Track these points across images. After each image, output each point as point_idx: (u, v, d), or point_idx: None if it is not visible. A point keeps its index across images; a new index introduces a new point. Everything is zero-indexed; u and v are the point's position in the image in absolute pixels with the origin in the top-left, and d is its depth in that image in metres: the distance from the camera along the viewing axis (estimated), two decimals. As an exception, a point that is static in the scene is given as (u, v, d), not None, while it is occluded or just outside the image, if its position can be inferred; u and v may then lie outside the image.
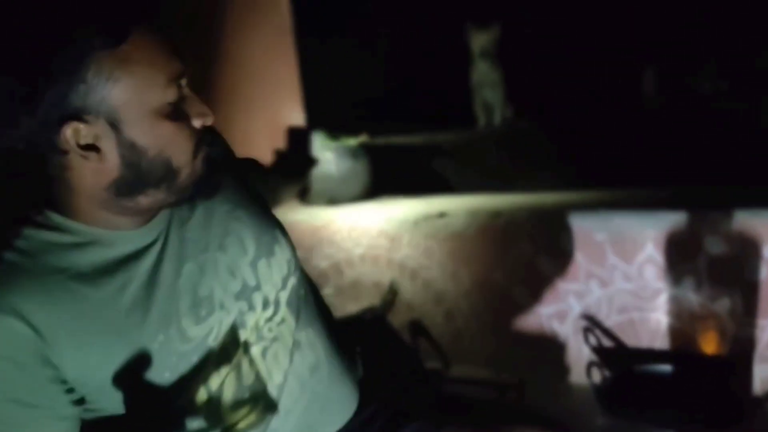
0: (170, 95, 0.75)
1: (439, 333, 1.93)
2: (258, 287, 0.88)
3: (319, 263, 2.07)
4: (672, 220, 1.61)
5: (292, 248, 0.96)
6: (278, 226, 0.95)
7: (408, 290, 1.94)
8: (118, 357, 0.77)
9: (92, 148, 0.74)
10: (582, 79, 3.47)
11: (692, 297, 1.61)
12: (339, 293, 2.04)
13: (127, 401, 0.79)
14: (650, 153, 2.45)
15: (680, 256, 1.61)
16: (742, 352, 1.57)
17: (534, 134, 3.29)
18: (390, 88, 3.37)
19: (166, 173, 0.78)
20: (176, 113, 0.77)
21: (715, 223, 1.56)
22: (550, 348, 1.80)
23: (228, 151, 0.99)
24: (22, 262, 0.75)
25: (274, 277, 0.91)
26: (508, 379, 1.74)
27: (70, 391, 0.76)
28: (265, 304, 0.89)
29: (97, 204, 0.79)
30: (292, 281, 0.93)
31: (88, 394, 0.78)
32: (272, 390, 0.88)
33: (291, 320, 0.91)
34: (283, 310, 0.91)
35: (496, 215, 1.81)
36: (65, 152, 0.74)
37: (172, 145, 0.77)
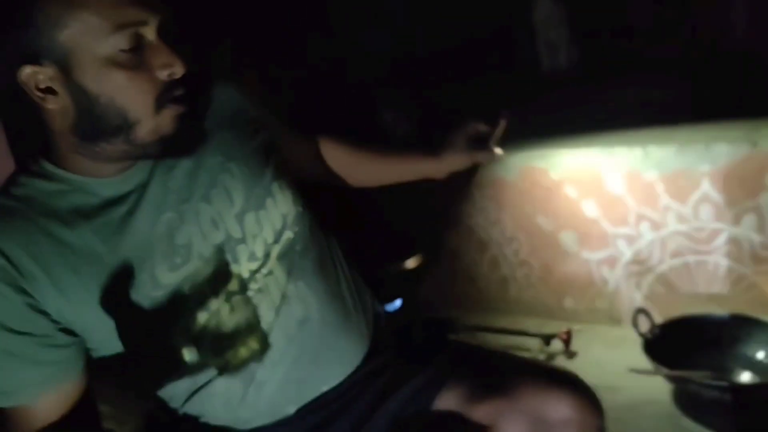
0: (121, 43, 0.75)
1: (484, 282, 1.88)
2: (243, 240, 0.87)
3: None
4: (730, 153, 1.46)
5: (296, 203, 0.94)
6: (278, 181, 0.93)
7: (451, 238, 1.89)
8: (93, 297, 0.79)
9: (51, 91, 0.76)
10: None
11: (754, 237, 1.47)
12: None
13: (106, 341, 0.81)
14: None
15: (740, 193, 1.47)
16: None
17: (600, 74, 3.09)
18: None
19: (122, 123, 0.78)
20: (133, 62, 0.76)
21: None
22: (600, 296, 1.71)
23: (236, 102, 0.96)
24: (10, 206, 0.81)
25: (264, 231, 0.89)
26: (553, 329, 1.68)
27: (58, 322, 0.79)
28: (251, 257, 0.88)
29: (73, 149, 0.81)
30: (288, 235, 0.91)
31: (77, 330, 0.81)
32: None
33: (280, 274, 0.89)
34: (272, 264, 0.89)
35: (539, 158, 1.71)
36: (36, 96, 0.77)
37: (125, 95, 0.76)
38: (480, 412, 0.86)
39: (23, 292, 0.77)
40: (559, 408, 0.82)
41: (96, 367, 0.84)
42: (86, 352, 0.83)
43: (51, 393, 0.79)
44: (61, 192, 0.82)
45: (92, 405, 0.85)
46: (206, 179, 0.88)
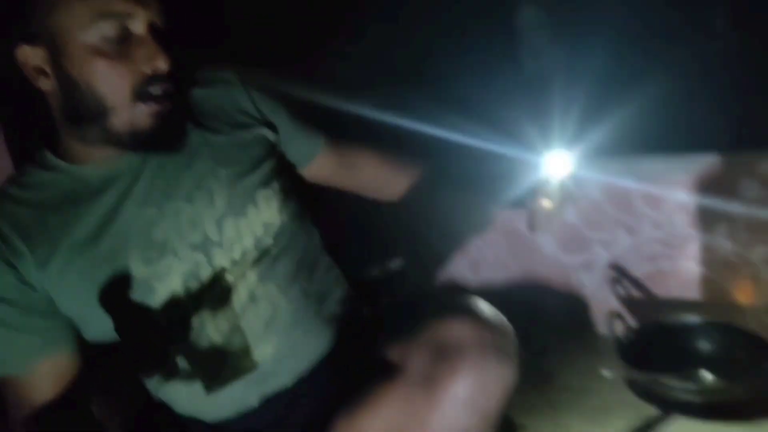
0: (106, 32, 0.78)
1: (466, 285, 1.91)
2: (220, 243, 0.89)
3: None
4: (704, 162, 1.51)
5: (282, 211, 0.95)
6: (265, 189, 0.94)
7: (433, 241, 1.92)
8: (70, 281, 0.85)
9: (44, 72, 0.82)
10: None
11: (726, 245, 1.51)
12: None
13: (83, 321, 0.87)
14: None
15: (713, 201, 1.51)
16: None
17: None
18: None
19: (98, 110, 0.82)
20: (117, 52, 0.79)
21: (751, 165, 1.45)
22: (577, 299, 1.75)
23: (240, 105, 0.98)
24: (11, 191, 0.89)
25: (243, 238, 0.91)
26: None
27: (42, 295, 0.85)
28: (226, 260, 0.90)
29: (66, 133, 0.87)
30: (267, 242, 0.93)
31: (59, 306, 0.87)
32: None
33: (252, 276, 0.91)
34: (245, 267, 0.91)
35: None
36: (31, 75, 0.82)
37: (103, 82, 0.81)
38: (394, 354, 0.87)
39: (12, 266, 0.84)
40: (456, 331, 0.83)
41: (88, 355, 0.89)
42: (74, 328, 0.88)
43: (41, 363, 0.84)
44: (55, 180, 0.88)
45: (86, 394, 0.88)
46: (193, 180, 0.90)
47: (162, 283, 0.86)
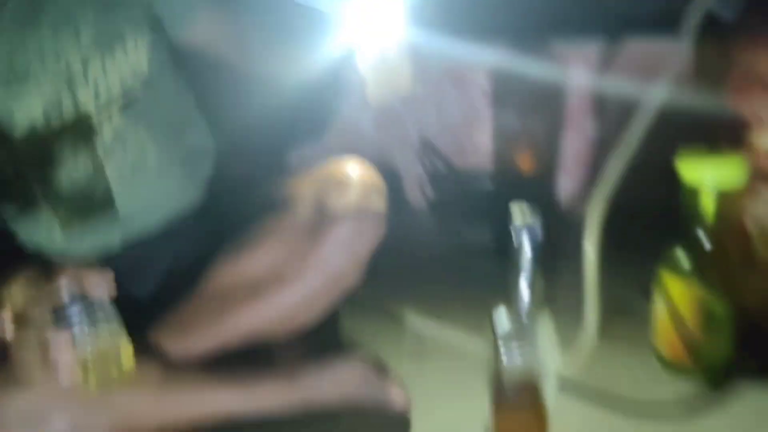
0: None
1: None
2: (83, 79, 0.90)
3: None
4: (499, 48, 1.71)
5: (154, 57, 0.95)
6: (137, 33, 0.93)
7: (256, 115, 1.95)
8: None
9: None
10: None
11: (514, 122, 1.77)
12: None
13: None
14: None
15: (506, 84, 1.75)
16: (553, 167, 1.78)
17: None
18: None
19: None
20: None
21: (533, 51, 1.69)
22: (389, 172, 1.92)
23: None
24: None
25: (109, 78, 0.92)
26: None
27: None
28: (92, 100, 0.91)
29: None
30: (136, 90, 0.93)
31: None
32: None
33: (120, 120, 0.92)
34: (112, 111, 0.92)
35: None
36: None
37: None
38: (282, 202, 0.99)
39: None
40: (339, 199, 0.96)
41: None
42: None
43: None
44: None
45: None
46: (58, 10, 0.89)
47: (21, 105, 0.86)
